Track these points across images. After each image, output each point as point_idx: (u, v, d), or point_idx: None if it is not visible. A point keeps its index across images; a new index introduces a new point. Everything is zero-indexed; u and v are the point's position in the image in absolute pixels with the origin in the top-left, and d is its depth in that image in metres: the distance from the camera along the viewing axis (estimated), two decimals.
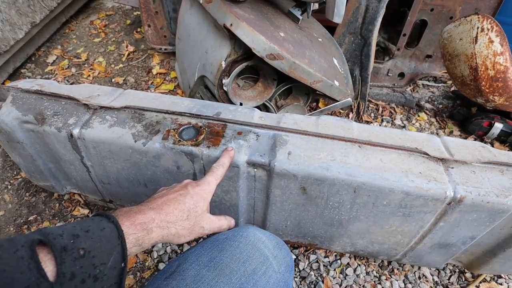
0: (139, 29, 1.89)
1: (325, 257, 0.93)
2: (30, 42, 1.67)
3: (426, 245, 0.77)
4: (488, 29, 0.88)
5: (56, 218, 1.01)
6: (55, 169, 0.87)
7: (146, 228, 0.42)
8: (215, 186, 0.54)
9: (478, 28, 0.89)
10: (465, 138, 1.37)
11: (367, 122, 1.39)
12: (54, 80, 1.58)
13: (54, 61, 1.71)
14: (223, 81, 0.92)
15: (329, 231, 0.78)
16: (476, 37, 0.90)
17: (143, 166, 0.72)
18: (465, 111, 1.43)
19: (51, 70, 1.65)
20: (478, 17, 0.89)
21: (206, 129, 0.69)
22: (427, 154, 0.68)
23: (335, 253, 0.94)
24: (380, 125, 1.40)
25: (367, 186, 0.63)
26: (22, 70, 1.63)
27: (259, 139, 0.68)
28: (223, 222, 0.54)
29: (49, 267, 0.32)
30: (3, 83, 1.52)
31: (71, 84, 1.56)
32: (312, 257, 0.92)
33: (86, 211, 1.02)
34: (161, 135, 0.68)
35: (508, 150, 1.35)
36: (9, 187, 1.08)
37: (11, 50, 1.50)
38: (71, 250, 0.33)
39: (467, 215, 0.66)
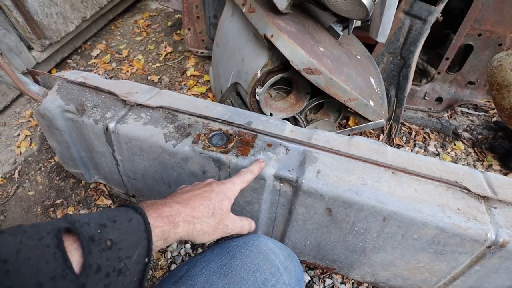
0: (178, 31, 1.96)
1: (341, 283, 0.88)
2: (79, 35, 1.77)
3: None
4: None
5: (81, 205, 1.04)
6: (86, 158, 0.90)
7: (173, 221, 0.40)
8: (240, 189, 0.53)
9: None
10: (506, 174, 1.28)
11: (398, 146, 1.33)
12: (95, 72, 1.66)
13: (97, 54, 1.80)
14: (256, 90, 0.91)
15: (350, 257, 0.74)
16: None
17: (170, 167, 0.73)
18: (508, 144, 1.33)
19: (94, 63, 1.73)
20: None
21: (236, 137, 0.69)
22: (467, 189, 0.63)
23: (353, 281, 0.89)
24: (412, 150, 1.33)
25: (398, 216, 0.60)
26: (68, 61, 1.73)
27: (288, 153, 0.67)
28: (245, 223, 0.52)
29: (75, 257, 0.30)
30: (50, 71, 1.62)
31: (111, 78, 1.63)
32: (328, 281, 0.88)
33: (109, 202, 1.04)
34: (191, 138, 0.69)
35: None
36: (42, 169, 1.14)
37: (61, 41, 1.60)
38: (98, 240, 0.31)
39: (509, 262, 0.61)
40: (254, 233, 0.81)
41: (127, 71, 1.65)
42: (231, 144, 0.66)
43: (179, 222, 0.41)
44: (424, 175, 0.65)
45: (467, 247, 0.60)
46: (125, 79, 1.60)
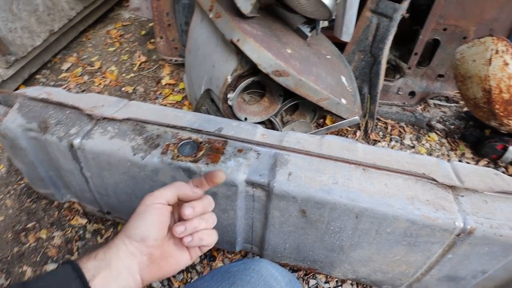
0: (152, 40, 1.93)
1: (325, 282, 0.89)
2: (47, 49, 1.72)
3: (434, 277, 0.72)
4: (503, 51, 0.85)
5: (54, 227, 1.00)
6: (55, 177, 0.87)
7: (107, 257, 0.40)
8: (170, 194, 0.45)
9: (492, 50, 0.86)
10: (478, 161, 1.32)
11: (375, 141, 1.36)
12: (66, 86, 1.61)
13: (68, 68, 1.75)
14: (228, 95, 0.91)
15: (330, 257, 0.75)
16: (490, 59, 0.87)
17: (140, 180, 0.71)
18: (478, 133, 1.38)
19: (65, 77, 1.69)
20: (493, 39, 0.86)
21: (206, 145, 0.68)
22: (435, 180, 0.65)
23: (336, 279, 0.89)
24: (388, 144, 1.36)
25: (370, 212, 0.60)
26: (37, 76, 1.68)
27: (259, 157, 0.66)
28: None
29: None
30: (17, 88, 1.56)
31: (83, 91, 1.59)
32: (312, 282, 0.88)
33: (84, 221, 1.01)
34: (160, 149, 0.67)
35: None
36: (12, 192, 1.09)
37: (28, 56, 1.55)
38: None
39: (478, 248, 0.62)
40: (235, 241, 0.80)
41: (100, 84, 1.61)
42: (201, 153, 0.66)
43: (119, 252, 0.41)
44: (394, 170, 0.66)
45: (438, 236, 0.61)
46: (98, 92, 1.56)
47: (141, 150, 0.68)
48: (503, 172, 1.29)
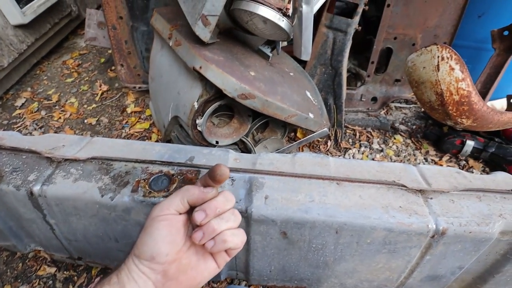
0: (113, 67, 1.88)
1: None
2: None
3: (416, 279, 0.74)
4: (448, 58, 0.93)
5: (19, 280, 0.91)
6: (16, 228, 0.80)
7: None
8: (178, 200, 0.41)
9: (438, 57, 0.94)
10: (441, 157, 1.41)
11: (346, 149, 1.40)
12: (21, 125, 1.51)
13: (23, 104, 1.65)
14: (197, 121, 0.90)
15: (316, 273, 0.74)
16: (438, 65, 0.94)
17: (112, 221, 0.67)
18: (438, 130, 1.48)
19: (19, 114, 1.58)
20: (437, 47, 0.94)
21: (179, 177, 0.66)
22: (405, 186, 0.67)
23: None
24: (358, 150, 1.41)
25: (349, 226, 0.61)
26: None
27: (234, 184, 0.65)
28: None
29: None
30: None
31: (40, 128, 1.50)
32: None
33: (53, 270, 0.93)
34: (130, 187, 0.64)
35: (482, 166, 1.39)
36: None
37: None
38: None
39: (452, 246, 0.65)
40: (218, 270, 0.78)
41: (60, 118, 1.53)
42: (174, 186, 0.63)
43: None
44: (366, 180, 0.68)
45: (415, 241, 0.63)
46: (58, 127, 1.48)
47: (110, 190, 0.64)
48: (464, 165, 1.38)
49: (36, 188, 0.65)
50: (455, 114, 1.00)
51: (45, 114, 1.56)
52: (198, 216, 0.38)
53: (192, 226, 0.42)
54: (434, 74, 0.94)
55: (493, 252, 0.70)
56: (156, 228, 0.39)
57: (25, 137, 0.79)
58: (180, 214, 0.41)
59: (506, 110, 1.34)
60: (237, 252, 0.43)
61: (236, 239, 0.40)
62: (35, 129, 1.47)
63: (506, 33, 1.28)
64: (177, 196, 0.41)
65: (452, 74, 0.92)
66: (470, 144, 1.33)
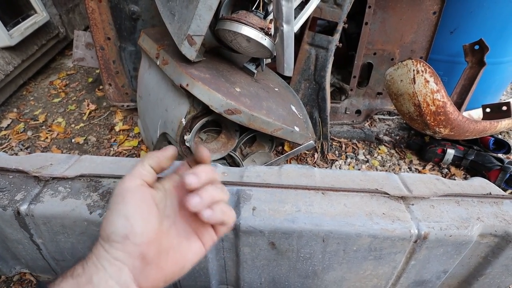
0: (101, 87, 1.89)
1: None
2: None
3: (403, 285, 0.76)
4: (422, 71, 0.99)
5: None
6: (1, 250, 0.78)
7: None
8: (146, 164, 0.38)
9: (414, 70, 0.99)
10: (424, 165, 1.45)
11: (333, 161, 1.44)
12: (7, 146, 1.49)
13: (8, 125, 1.63)
14: (185, 137, 0.92)
15: (306, 283, 0.75)
16: (414, 78, 1.00)
17: None
18: (420, 140, 1.54)
19: (5, 135, 1.56)
20: (412, 61, 1.00)
21: None
22: (387, 193, 0.70)
23: None
24: (345, 162, 1.44)
25: (335, 233, 0.63)
26: None
27: None
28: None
29: None
30: None
31: (27, 148, 1.48)
32: None
33: None
34: None
35: (464, 173, 1.45)
36: None
37: None
38: None
39: (435, 250, 0.67)
40: (209, 285, 0.77)
41: (47, 137, 1.52)
42: None
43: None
44: (350, 189, 0.70)
45: (399, 246, 0.65)
46: (45, 147, 1.47)
47: (98, 207, 0.65)
48: (447, 173, 1.43)
49: (23, 208, 0.65)
50: (433, 123, 1.05)
51: (32, 135, 1.55)
52: (191, 179, 0.33)
53: (168, 204, 0.37)
54: (411, 87, 1.00)
55: (475, 255, 0.72)
56: (123, 204, 0.33)
57: (12, 157, 0.79)
58: (148, 186, 0.36)
59: (482, 119, 1.42)
60: (226, 232, 0.37)
61: (231, 214, 0.35)
62: (21, 149, 1.45)
63: (477, 47, 1.37)
64: (142, 164, 0.37)
65: (427, 86, 0.98)
66: (450, 152, 1.39)
